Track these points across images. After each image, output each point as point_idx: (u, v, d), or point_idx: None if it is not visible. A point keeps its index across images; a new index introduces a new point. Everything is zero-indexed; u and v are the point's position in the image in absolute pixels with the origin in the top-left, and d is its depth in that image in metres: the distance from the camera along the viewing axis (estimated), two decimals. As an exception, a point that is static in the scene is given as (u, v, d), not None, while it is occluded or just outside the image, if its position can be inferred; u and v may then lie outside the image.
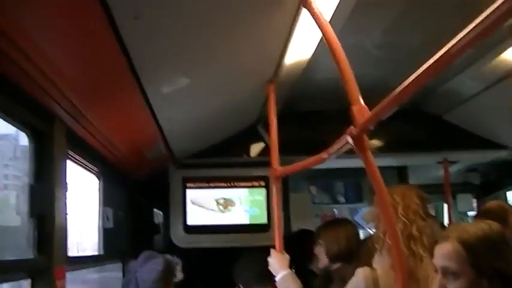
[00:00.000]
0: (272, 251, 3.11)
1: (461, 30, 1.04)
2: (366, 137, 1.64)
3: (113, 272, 4.31)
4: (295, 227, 4.95)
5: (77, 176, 3.15)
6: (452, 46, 1.06)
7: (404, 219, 2.46)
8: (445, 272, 1.80)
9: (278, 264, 3.02)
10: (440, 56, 1.11)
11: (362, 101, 1.68)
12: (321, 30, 1.87)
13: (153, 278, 3.11)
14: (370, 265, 2.59)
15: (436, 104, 4.72)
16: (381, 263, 2.54)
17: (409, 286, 1.92)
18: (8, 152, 2.98)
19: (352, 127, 1.64)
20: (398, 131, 4.67)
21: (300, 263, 4.28)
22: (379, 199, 1.72)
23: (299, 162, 2.65)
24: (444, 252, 1.83)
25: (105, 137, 3.06)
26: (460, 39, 1.04)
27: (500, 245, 1.79)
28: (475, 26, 0.99)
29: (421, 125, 4.88)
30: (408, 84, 1.26)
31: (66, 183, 2.52)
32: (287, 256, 3.09)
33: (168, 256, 3.56)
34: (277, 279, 2.97)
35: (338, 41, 1.81)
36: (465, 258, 1.78)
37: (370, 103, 1.62)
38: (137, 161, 3.97)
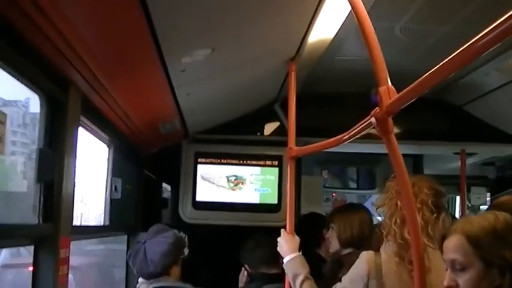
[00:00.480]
0: (282, 232, 3.09)
1: (492, 22, 1.01)
2: (390, 120, 1.61)
3: (117, 244, 4.32)
4: (304, 210, 4.94)
5: (87, 143, 3.15)
6: (482, 38, 1.04)
7: None
8: (453, 265, 1.81)
9: (287, 246, 3.00)
10: (469, 47, 1.09)
11: (390, 83, 1.65)
12: (353, 9, 1.83)
13: (163, 250, 3.11)
14: (377, 251, 2.60)
15: (458, 95, 4.68)
16: (386, 248, 2.58)
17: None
18: (17, 118, 2.96)
19: (377, 108, 1.61)
20: (417, 119, 4.63)
21: (308, 247, 4.29)
22: (400, 185, 1.70)
23: (317, 143, 2.62)
24: (450, 246, 1.84)
25: (121, 107, 3.04)
26: (491, 31, 1.02)
27: (507, 234, 1.77)
28: (506, 19, 0.96)
29: (440, 114, 4.85)
30: (435, 72, 1.24)
31: (76, 150, 2.50)
32: (297, 238, 3.07)
33: (175, 231, 3.57)
34: (285, 261, 2.95)
35: (369, 20, 1.77)
36: (471, 251, 1.78)
37: (395, 87, 1.60)
38: (150, 135, 3.96)
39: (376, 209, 2.75)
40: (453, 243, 1.83)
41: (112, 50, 2.25)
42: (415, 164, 6.15)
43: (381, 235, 2.62)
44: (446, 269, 1.86)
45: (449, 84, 4.42)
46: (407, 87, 1.43)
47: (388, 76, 1.63)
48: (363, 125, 1.80)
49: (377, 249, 2.63)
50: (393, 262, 2.51)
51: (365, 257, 2.59)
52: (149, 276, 3.11)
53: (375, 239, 2.81)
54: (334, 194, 7.84)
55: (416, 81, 1.37)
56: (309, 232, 3.98)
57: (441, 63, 1.22)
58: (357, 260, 2.64)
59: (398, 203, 2.52)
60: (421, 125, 4.75)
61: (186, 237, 3.80)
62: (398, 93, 1.54)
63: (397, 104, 1.54)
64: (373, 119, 1.66)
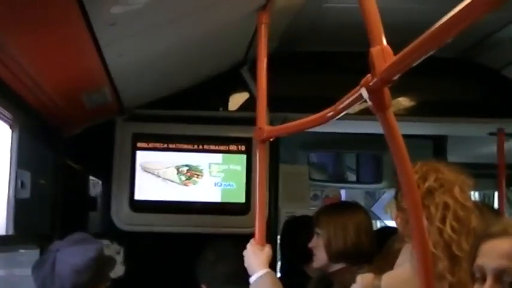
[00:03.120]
0: (250, 242, 3.13)
1: None
2: (387, 91, 1.63)
3: (25, 268, 4.26)
4: (284, 211, 4.98)
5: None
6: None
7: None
8: (501, 274, 1.84)
9: (255, 260, 3.04)
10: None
11: (385, 42, 1.68)
12: None
13: (77, 264, 3.12)
14: (386, 269, 2.62)
15: (494, 55, 4.71)
16: (405, 271, 2.53)
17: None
18: None
19: (369, 76, 1.63)
20: (437, 88, 4.68)
21: (291, 263, 4.36)
22: (402, 178, 1.72)
23: (295, 122, 2.65)
24: (503, 251, 1.86)
25: (27, 73, 3.03)
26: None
27: None
28: None
29: (470, 81, 4.88)
30: (449, 21, 1.25)
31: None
32: (268, 250, 3.11)
33: (106, 242, 3.60)
34: (251, 280, 3.00)
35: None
36: None
37: (395, 47, 1.62)
38: (71, 109, 3.94)
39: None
40: (507, 246, 1.86)
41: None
42: (436, 148, 6.22)
43: (395, 248, 2.64)
44: (474, 281, 1.89)
45: (481, 40, 4.46)
46: (407, 46, 1.45)
47: (382, 34, 1.66)
48: (351, 98, 1.83)
49: (383, 268, 2.66)
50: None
51: (360, 283, 2.60)
52: None
53: (384, 253, 2.84)
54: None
55: (421, 37, 1.37)
56: (295, 242, 4.04)
57: (458, 8, 1.21)
58: (352, 286, 2.65)
59: (449, 200, 2.52)
60: (444, 95, 4.79)
61: (122, 250, 3.83)
62: (397, 53, 1.55)
63: (394, 70, 1.55)
64: (363, 90, 1.68)
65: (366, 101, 1.70)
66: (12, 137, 3.56)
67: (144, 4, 2.66)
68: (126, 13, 2.68)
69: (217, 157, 4.75)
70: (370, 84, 1.63)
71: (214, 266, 3.64)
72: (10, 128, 3.53)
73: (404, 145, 1.65)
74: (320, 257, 3.41)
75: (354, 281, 2.70)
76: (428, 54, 1.38)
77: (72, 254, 3.13)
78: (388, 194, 8.93)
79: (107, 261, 3.33)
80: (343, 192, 8.18)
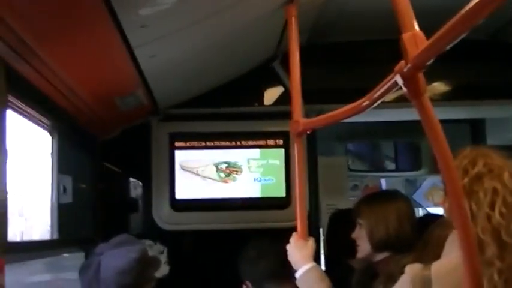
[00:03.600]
0: (292, 236, 3.12)
1: None
2: (421, 76, 1.61)
3: (72, 272, 4.29)
4: (325, 203, 4.97)
5: (22, 133, 3.17)
6: None
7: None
8: None
9: (300, 254, 3.04)
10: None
11: (417, 27, 1.66)
12: None
13: (120, 266, 3.14)
14: (435, 258, 2.58)
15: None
16: (454, 259, 2.49)
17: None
18: None
19: (402, 62, 1.62)
20: (471, 70, 4.64)
21: (337, 257, 4.34)
22: (441, 164, 1.71)
23: (330, 113, 2.64)
24: None
25: (62, 80, 3.06)
26: None
27: None
28: None
29: (504, 62, 4.83)
30: (479, 2, 1.23)
31: (5, 143, 2.50)
32: (312, 243, 3.10)
33: (149, 242, 3.61)
34: (297, 275, 2.99)
35: None
36: None
37: (428, 32, 1.61)
38: (106, 114, 3.98)
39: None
40: None
41: (44, 7, 2.26)
42: (475, 132, 6.17)
43: (442, 236, 2.62)
44: None
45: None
46: (439, 30, 1.44)
47: (414, 18, 1.65)
48: (386, 86, 1.82)
49: (430, 256, 2.64)
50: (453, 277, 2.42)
51: (410, 274, 2.57)
52: None
53: (432, 241, 2.82)
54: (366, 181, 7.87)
55: (452, 20, 1.36)
56: (339, 237, 4.03)
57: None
58: (401, 278, 2.61)
59: (498, 185, 2.49)
60: (477, 77, 4.75)
61: (165, 250, 3.84)
62: (430, 37, 1.54)
63: (427, 56, 1.54)
64: (398, 77, 1.67)
65: (400, 88, 1.68)
66: (52, 143, 3.60)
67: (173, 5, 2.67)
68: (156, 14, 2.69)
69: (256, 152, 4.75)
70: (404, 70, 1.62)
71: (256, 263, 3.64)
72: (50, 134, 3.57)
73: (441, 131, 1.63)
74: (363, 247, 3.40)
75: (398, 270, 2.68)
76: (461, 37, 1.37)
77: (115, 257, 3.15)
78: (429, 181, 8.88)
79: (151, 261, 3.35)
80: (383, 181, 8.16)
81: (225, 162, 4.72)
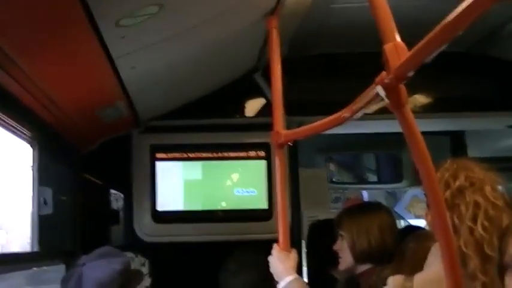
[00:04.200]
0: (274, 248, 3.11)
1: None
2: (403, 87, 1.61)
3: (52, 284, 4.27)
4: (306, 214, 4.97)
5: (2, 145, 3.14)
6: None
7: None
8: None
9: (282, 266, 3.02)
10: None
11: (399, 38, 1.66)
12: None
13: (104, 278, 3.12)
14: (411, 269, 2.59)
15: (506, 46, 4.69)
16: (435, 271, 2.49)
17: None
18: None
19: (384, 73, 1.62)
20: (452, 82, 4.66)
21: (319, 267, 4.34)
22: (423, 176, 1.70)
23: (312, 124, 2.64)
24: None
25: (43, 91, 3.04)
26: None
27: None
28: None
29: (486, 74, 4.85)
30: (463, 11, 1.24)
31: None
32: (294, 255, 3.10)
33: (131, 255, 3.59)
34: (280, 287, 2.98)
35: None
36: None
37: (409, 44, 1.61)
38: (87, 125, 3.96)
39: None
40: None
41: (22, 11, 2.25)
42: (455, 144, 6.19)
43: (422, 249, 2.61)
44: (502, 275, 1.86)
45: (494, 31, 4.43)
46: (421, 41, 1.44)
47: (395, 29, 1.65)
48: (367, 97, 1.82)
49: (411, 268, 2.64)
50: None
51: (392, 286, 2.56)
52: None
53: (407, 254, 2.82)
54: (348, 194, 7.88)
55: (434, 31, 1.36)
56: (321, 247, 4.03)
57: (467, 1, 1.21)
58: None
59: (479, 199, 2.49)
60: (458, 90, 4.77)
61: (147, 262, 3.82)
62: (411, 48, 1.54)
63: (408, 66, 1.55)
64: (379, 88, 1.67)
65: (382, 99, 1.68)
66: (33, 155, 3.58)
67: (153, 16, 2.66)
68: (135, 25, 2.68)
69: (238, 165, 4.74)
70: (386, 81, 1.62)
71: (236, 276, 3.63)
72: (30, 145, 3.55)
73: (423, 141, 1.63)
74: (346, 259, 3.40)
75: (380, 282, 2.68)
76: (442, 48, 1.37)
77: (97, 268, 3.13)
78: (410, 193, 8.90)
79: (134, 274, 3.33)
80: (364, 194, 8.17)
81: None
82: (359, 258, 3.35)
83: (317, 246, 4.42)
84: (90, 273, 3.12)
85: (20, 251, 3.81)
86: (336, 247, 3.48)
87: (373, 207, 3.65)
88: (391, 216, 3.55)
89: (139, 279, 3.44)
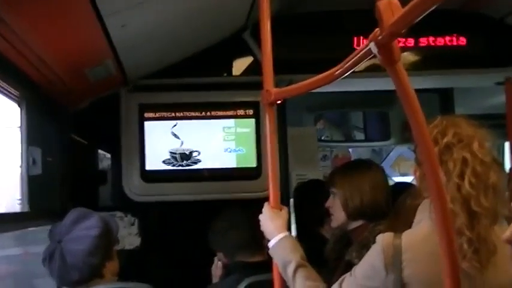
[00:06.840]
0: (265, 206, 3.11)
1: None
2: (396, 44, 1.62)
3: (40, 246, 4.27)
4: (294, 173, 4.99)
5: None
6: None
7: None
8: None
9: (273, 224, 3.01)
10: None
11: (393, -6, 1.67)
12: None
13: (88, 249, 3.12)
14: (406, 226, 2.60)
15: (495, 4, 4.69)
16: (423, 225, 2.49)
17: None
18: None
19: (377, 30, 1.62)
20: (440, 41, 4.66)
21: (307, 226, 4.37)
22: (415, 132, 1.71)
23: (302, 82, 2.64)
24: None
25: (31, 49, 3.02)
26: None
27: None
28: None
29: (474, 32, 4.86)
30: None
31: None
32: (285, 213, 3.09)
33: (120, 214, 3.58)
34: (271, 244, 2.97)
35: None
36: None
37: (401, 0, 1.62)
38: (75, 84, 3.94)
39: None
40: None
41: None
42: (443, 101, 6.21)
43: (412, 206, 2.63)
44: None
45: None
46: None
47: (389, -15, 1.65)
48: (360, 54, 1.82)
49: (402, 224, 2.65)
50: (428, 246, 2.38)
51: (380, 243, 2.56)
52: (75, 284, 3.16)
53: (403, 210, 2.83)
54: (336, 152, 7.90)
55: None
56: (308, 206, 4.06)
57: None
58: (372, 247, 2.61)
59: (467, 155, 2.50)
60: (446, 48, 4.77)
61: (136, 221, 3.83)
62: (404, 6, 1.55)
63: (402, 23, 1.55)
64: (372, 45, 1.67)
65: (375, 56, 1.69)
66: (21, 115, 3.56)
67: (144, -27, 2.66)
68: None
69: (227, 123, 4.75)
70: (379, 38, 1.62)
71: (227, 234, 3.65)
72: (18, 105, 3.54)
73: (416, 97, 1.64)
74: (338, 216, 3.42)
75: (372, 238, 2.69)
76: (436, 5, 1.38)
77: (77, 240, 3.12)
78: (395, 152, 8.95)
79: (109, 230, 3.31)
80: (351, 151, 8.21)
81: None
82: (351, 214, 3.37)
83: (303, 205, 4.45)
84: (71, 248, 3.11)
85: (7, 211, 3.82)
86: (328, 204, 3.49)
87: (365, 164, 3.66)
88: (383, 173, 3.56)
89: (116, 226, 3.42)
